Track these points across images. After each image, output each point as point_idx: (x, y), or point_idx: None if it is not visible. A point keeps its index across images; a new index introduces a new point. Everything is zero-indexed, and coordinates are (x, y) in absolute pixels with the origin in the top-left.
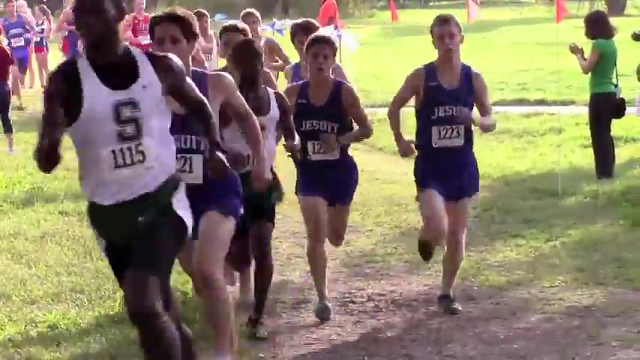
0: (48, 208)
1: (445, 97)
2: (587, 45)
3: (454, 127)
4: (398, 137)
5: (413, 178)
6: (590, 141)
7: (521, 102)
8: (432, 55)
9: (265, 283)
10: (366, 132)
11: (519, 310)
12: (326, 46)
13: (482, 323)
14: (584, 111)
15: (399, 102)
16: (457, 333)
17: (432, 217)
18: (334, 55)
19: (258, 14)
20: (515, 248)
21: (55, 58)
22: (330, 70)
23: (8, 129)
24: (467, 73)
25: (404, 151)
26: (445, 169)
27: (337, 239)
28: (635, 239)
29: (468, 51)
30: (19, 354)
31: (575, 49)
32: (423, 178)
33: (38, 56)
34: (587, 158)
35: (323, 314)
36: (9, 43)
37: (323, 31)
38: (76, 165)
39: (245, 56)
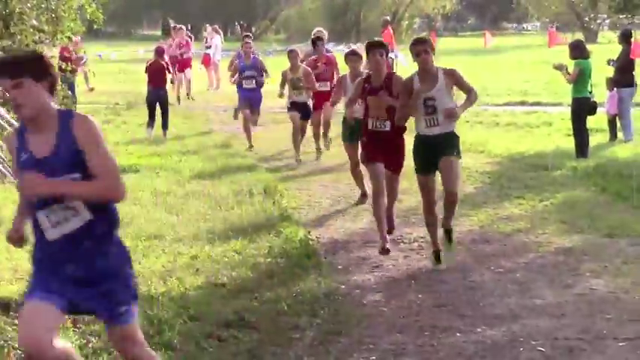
0: (191, 174)
1: None
2: (571, 64)
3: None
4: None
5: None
6: (572, 132)
7: (522, 103)
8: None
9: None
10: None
11: (521, 249)
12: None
13: (495, 259)
14: (568, 110)
15: None
16: (476, 265)
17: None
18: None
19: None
20: (518, 206)
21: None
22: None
23: (165, 124)
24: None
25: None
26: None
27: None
28: (603, 201)
29: (484, 68)
30: (170, 277)
31: (559, 67)
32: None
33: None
34: (569, 143)
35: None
36: (240, 84)
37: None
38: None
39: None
